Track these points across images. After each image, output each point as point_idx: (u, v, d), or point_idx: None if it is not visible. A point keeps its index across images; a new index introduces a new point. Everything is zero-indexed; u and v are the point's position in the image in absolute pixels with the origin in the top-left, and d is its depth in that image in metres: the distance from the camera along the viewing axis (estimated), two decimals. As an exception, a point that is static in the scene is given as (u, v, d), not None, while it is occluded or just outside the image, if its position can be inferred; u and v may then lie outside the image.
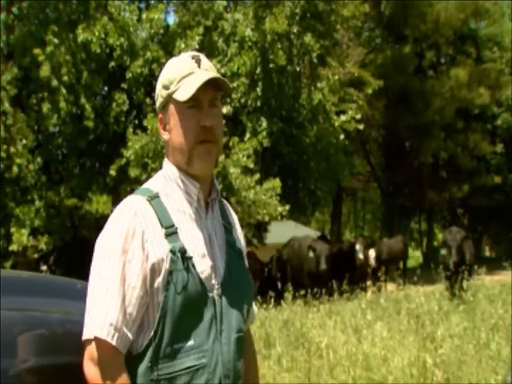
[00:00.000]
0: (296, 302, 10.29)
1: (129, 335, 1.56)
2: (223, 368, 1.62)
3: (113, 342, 1.53)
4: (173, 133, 1.68)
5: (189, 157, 1.66)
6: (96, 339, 1.54)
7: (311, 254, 15.04)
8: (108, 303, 1.54)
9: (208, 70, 1.69)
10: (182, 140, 1.66)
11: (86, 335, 1.56)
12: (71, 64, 14.04)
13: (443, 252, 11.58)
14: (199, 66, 1.68)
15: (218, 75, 1.67)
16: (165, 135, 1.72)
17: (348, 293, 12.26)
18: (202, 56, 1.72)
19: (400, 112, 26.66)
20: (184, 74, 1.66)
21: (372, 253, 18.67)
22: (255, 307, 1.90)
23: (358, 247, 16.81)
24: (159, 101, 1.72)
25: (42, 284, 2.07)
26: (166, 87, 1.68)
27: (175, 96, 1.65)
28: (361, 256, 16.61)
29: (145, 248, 1.58)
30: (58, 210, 14.77)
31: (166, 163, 1.74)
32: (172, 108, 1.68)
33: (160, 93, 1.71)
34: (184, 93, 1.63)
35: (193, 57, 1.70)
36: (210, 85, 1.65)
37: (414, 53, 28.12)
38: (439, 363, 5.52)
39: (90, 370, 1.55)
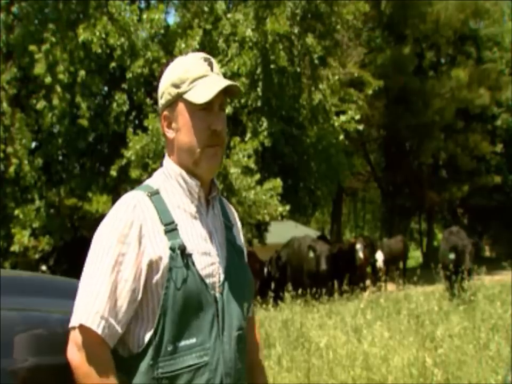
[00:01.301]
0: (296, 302, 10.29)
1: (117, 328, 1.55)
2: (224, 367, 1.62)
3: (99, 331, 1.52)
4: (181, 132, 1.68)
5: (197, 158, 1.66)
6: (82, 327, 1.53)
7: (311, 254, 15.04)
8: (97, 292, 1.54)
9: (219, 74, 1.71)
10: (192, 141, 1.66)
11: (72, 323, 1.55)
12: (68, 63, 14.03)
13: (452, 256, 11.56)
14: (211, 69, 1.69)
15: (230, 81, 1.68)
16: (169, 133, 1.71)
17: (348, 293, 12.26)
18: (212, 59, 1.73)
19: (400, 112, 26.66)
20: (197, 75, 1.66)
21: (380, 255, 18.72)
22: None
23: (358, 246, 16.80)
24: (165, 99, 1.71)
25: (42, 283, 2.07)
26: (176, 86, 1.68)
27: (189, 97, 1.65)
28: (361, 255, 16.61)
29: (142, 243, 1.58)
30: (59, 211, 14.78)
31: (167, 161, 1.74)
32: (181, 107, 1.68)
33: (167, 91, 1.70)
34: (200, 96, 1.63)
35: (205, 60, 1.70)
36: (223, 91, 1.66)
37: (414, 53, 28.09)
38: (439, 363, 5.52)
39: (74, 355, 1.54)
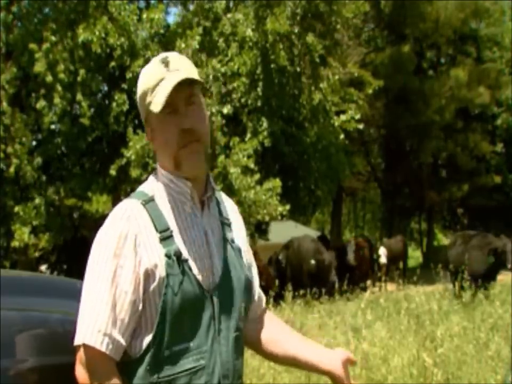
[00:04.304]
0: (296, 302, 10.29)
1: (121, 341, 1.54)
2: (222, 368, 1.62)
3: (103, 349, 1.52)
4: (157, 141, 1.67)
5: (176, 162, 1.64)
6: (85, 346, 1.52)
7: (312, 261, 15.04)
8: (98, 309, 1.53)
9: (178, 69, 1.63)
10: (166, 147, 1.64)
11: (76, 341, 1.55)
12: (68, 62, 14.04)
13: (491, 260, 11.73)
14: (168, 69, 1.62)
15: (187, 74, 1.61)
16: (152, 145, 1.73)
17: (348, 293, 12.27)
18: (171, 56, 1.66)
19: (400, 112, 26.67)
20: (155, 82, 1.62)
21: (382, 250, 18.83)
22: (261, 294, 1.89)
23: (348, 248, 16.94)
24: (142, 115, 1.71)
25: (42, 283, 2.07)
26: (143, 99, 1.66)
27: (151, 107, 1.62)
28: (350, 257, 16.69)
29: (137, 252, 1.56)
30: (59, 210, 14.77)
31: (158, 166, 1.74)
32: (151, 119, 1.66)
33: (140, 107, 1.70)
34: (157, 103, 1.60)
35: (161, 61, 1.65)
36: (184, 84, 1.60)
37: (414, 53, 28.11)
38: (439, 363, 5.51)
39: (81, 376, 1.55)
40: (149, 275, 1.56)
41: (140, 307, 1.57)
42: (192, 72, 1.64)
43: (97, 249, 1.59)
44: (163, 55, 1.68)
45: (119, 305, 1.54)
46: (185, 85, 1.61)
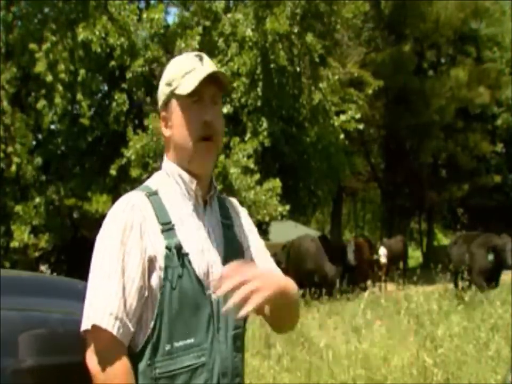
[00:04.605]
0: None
1: (130, 326, 1.55)
2: (221, 366, 1.62)
3: (114, 332, 1.52)
4: (176, 128, 1.69)
5: (191, 152, 1.67)
6: (97, 329, 1.52)
7: (310, 265, 15.03)
8: (108, 293, 1.54)
9: (211, 66, 1.71)
10: (185, 134, 1.67)
11: (85, 325, 1.54)
12: (68, 62, 14.04)
13: (491, 257, 11.71)
14: (202, 63, 1.70)
15: (216, 69, 1.69)
16: (166, 132, 1.73)
17: (348, 293, 12.26)
18: (205, 55, 1.75)
19: (400, 112, 26.65)
20: (187, 70, 1.68)
21: (382, 250, 18.84)
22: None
23: (348, 248, 16.92)
24: (161, 99, 1.74)
25: (42, 283, 2.06)
26: (169, 84, 1.70)
27: (178, 91, 1.67)
28: (351, 257, 16.69)
29: (143, 240, 1.58)
30: (59, 210, 14.77)
31: (166, 161, 1.75)
32: (174, 103, 1.70)
33: (162, 91, 1.73)
34: (187, 87, 1.65)
35: (196, 55, 1.73)
36: (212, 82, 1.67)
37: (414, 53, 28.10)
38: (439, 363, 5.51)
39: (92, 361, 1.54)
40: (152, 263, 1.58)
41: (146, 294, 1.58)
42: (221, 71, 1.72)
43: (104, 238, 1.61)
44: (198, 52, 1.77)
45: (127, 291, 1.55)
46: (213, 84, 1.68)
